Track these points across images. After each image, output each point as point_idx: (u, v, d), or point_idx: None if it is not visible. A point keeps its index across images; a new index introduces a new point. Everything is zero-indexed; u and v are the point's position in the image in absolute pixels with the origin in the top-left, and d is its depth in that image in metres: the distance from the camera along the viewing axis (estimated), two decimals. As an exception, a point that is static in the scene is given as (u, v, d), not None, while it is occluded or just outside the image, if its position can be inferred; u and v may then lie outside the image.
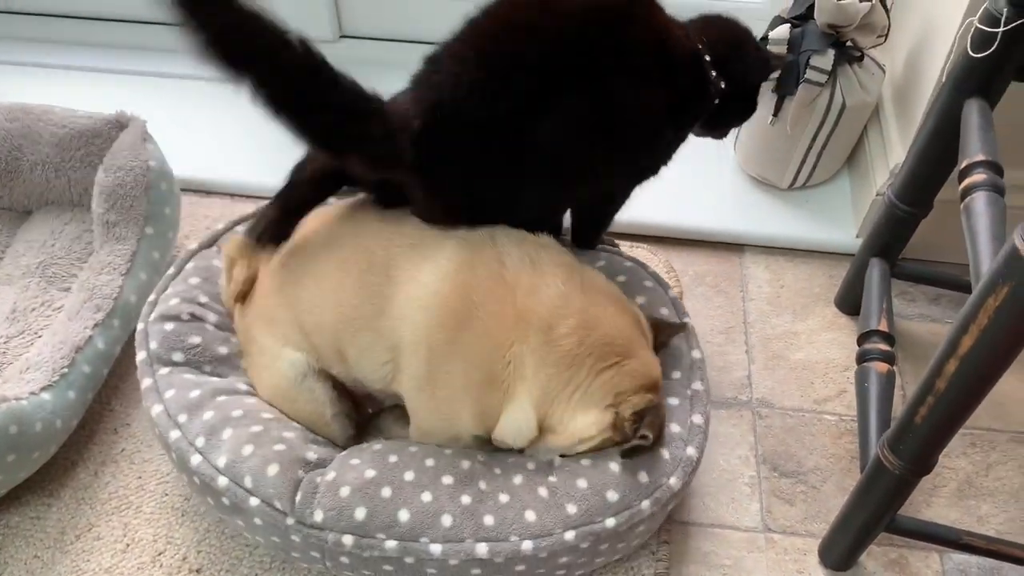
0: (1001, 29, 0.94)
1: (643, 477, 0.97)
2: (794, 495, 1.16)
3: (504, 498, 0.96)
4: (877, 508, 0.99)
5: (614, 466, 0.98)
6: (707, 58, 1.04)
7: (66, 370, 1.13)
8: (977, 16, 0.97)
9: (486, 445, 1.03)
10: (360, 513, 0.93)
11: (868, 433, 1.07)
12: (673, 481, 0.98)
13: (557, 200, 1.11)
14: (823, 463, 1.19)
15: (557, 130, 0.96)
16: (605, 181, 1.10)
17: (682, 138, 1.10)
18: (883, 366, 1.14)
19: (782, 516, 1.14)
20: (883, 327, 1.17)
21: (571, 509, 0.95)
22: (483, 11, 0.97)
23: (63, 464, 1.16)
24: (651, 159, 1.10)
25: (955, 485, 1.17)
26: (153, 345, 1.09)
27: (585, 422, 0.97)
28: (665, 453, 1.00)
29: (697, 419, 1.04)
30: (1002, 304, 0.76)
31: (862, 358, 1.17)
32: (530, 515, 0.94)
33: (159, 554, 1.09)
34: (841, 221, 1.44)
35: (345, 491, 0.95)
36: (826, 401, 1.25)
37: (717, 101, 1.07)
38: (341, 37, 1.74)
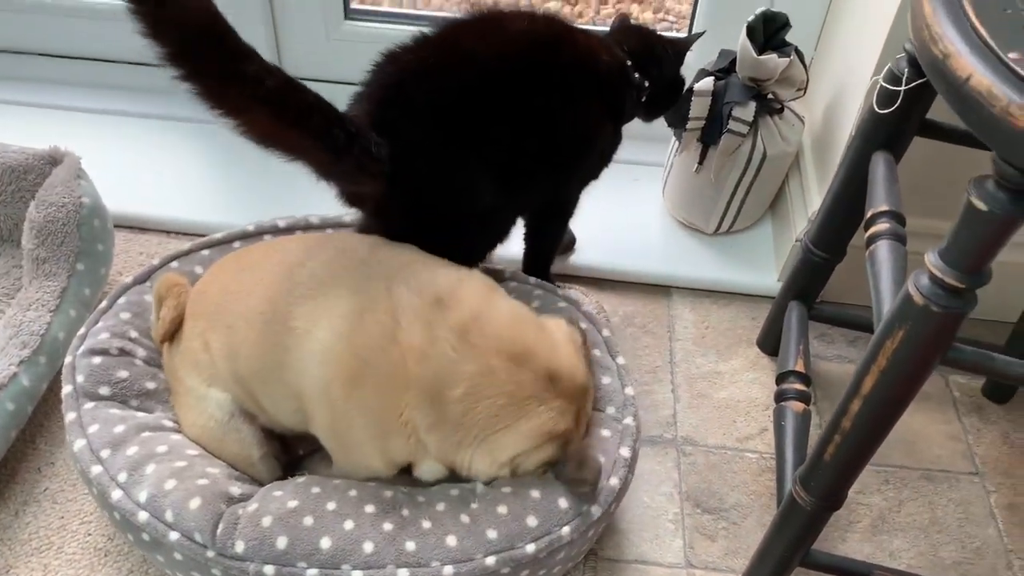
0: (903, 88, 1.01)
1: (563, 503, 1.00)
2: (716, 531, 1.19)
3: (426, 524, 0.97)
4: (792, 542, 1.02)
5: (535, 493, 1.00)
6: (629, 63, 1.21)
7: (-12, 407, 1.11)
8: (882, 75, 1.03)
9: (408, 475, 1.04)
10: (281, 542, 0.94)
11: (784, 470, 1.11)
12: (594, 509, 1.01)
13: (508, 204, 1.17)
14: (744, 500, 1.22)
15: (503, 140, 1.07)
16: (554, 187, 1.21)
17: (618, 140, 1.26)
18: (799, 405, 1.18)
19: (704, 552, 1.17)
20: (800, 368, 1.22)
21: (491, 534, 0.96)
22: (431, 32, 1.09)
23: (-17, 503, 1.14)
24: (594, 162, 1.25)
25: (869, 521, 1.21)
26: (80, 379, 1.08)
27: (480, 469, 1.00)
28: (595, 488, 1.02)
29: (624, 452, 1.07)
30: (899, 346, 0.80)
31: (780, 397, 1.21)
32: (451, 540, 0.96)
33: (80, 595, 1.08)
34: (763, 265, 1.50)
35: (267, 520, 0.95)
36: (748, 439, 1.29)
37: (644, 99, 1.25)
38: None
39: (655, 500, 1.22)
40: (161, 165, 1.64)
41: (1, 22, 1.76)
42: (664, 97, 1.30)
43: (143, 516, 0.96)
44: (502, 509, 0.99)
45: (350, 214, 1.29)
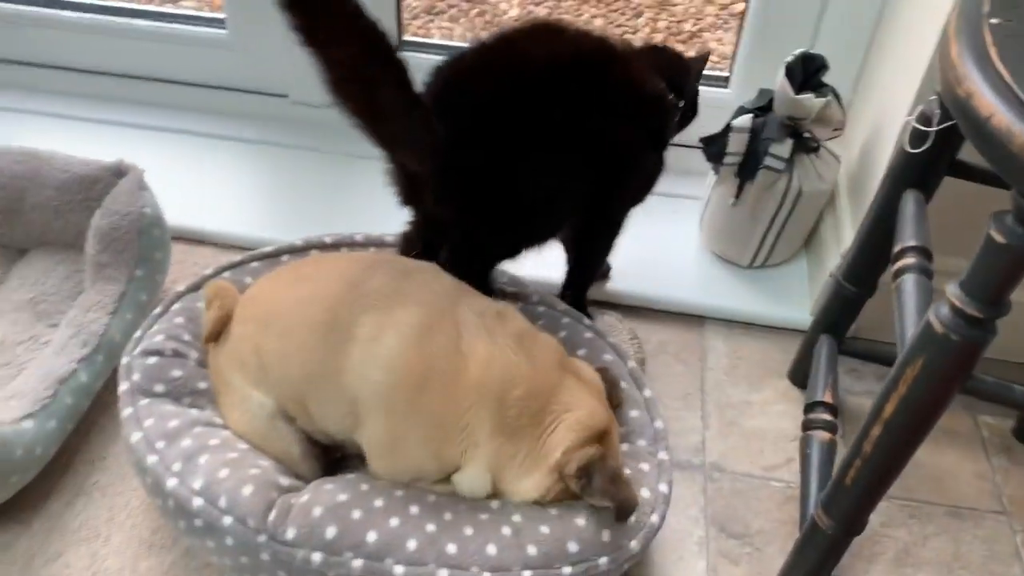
0: (934, 128, 1.04)
1: (606, 536, 1.03)
2: (740, 556, 1.21)
3: (468, 530, 1.01)
4: (813, 567, 1.04)
5: (580, 520, 1.03)
6: (666, 87, 1.27)
7: (48, 400, 1.18)
8: (913, 116, 1.07)
9: (446, 484, 1.08)
10: (330, 532, 0.98)
11: (808, 497, 1.13)
12: (634, 544, 1.04)
13: (553, 207, 1.23)
14: (768, 527, 1.24)
15: (551, 143, 1.14)
16: (597, 203, 1.27)
17: (661, 165, 1.32)
18: (825, 435, 1.20)
19: (727, 575, 1.19)
20: (828, 399, 1.24)
21: (531, 550, 0.99)
22: (490, 37, 1.16)
23: (38, 492, 1.20)
24: (639, 185, 1.32)
25: (893, 553, 1.22)
26: (136, 377, 1.14)
27: (529, 485, 1.04)
28: (631, 516, 1.05)
29: (663, 488, 1.10)
30: (919, 374, 0.83)
31: (806, 426, 1.23)
32: (491, 549, 0.99)
33: (124, 584, 1.13)
34: (797, 299, 1.53)
35: (317, 511, 0.99)
36: (774, 468, 1.31)
37: (677, 118, 1.32)
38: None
39: (681, 523, 1.24)
40: (218, 182, 1.72)
41: (76, 43, 1.86)
42: (686, 116, 1.36)
43: (198, 502, 1.01)
44: (544, 529, 1.02)
45: (392, 234, 1.35)
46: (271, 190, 1.74)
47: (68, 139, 1.70)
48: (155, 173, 1.45)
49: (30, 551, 1.15)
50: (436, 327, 1.05)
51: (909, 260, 1.01)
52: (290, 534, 0.98)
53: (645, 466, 1.12)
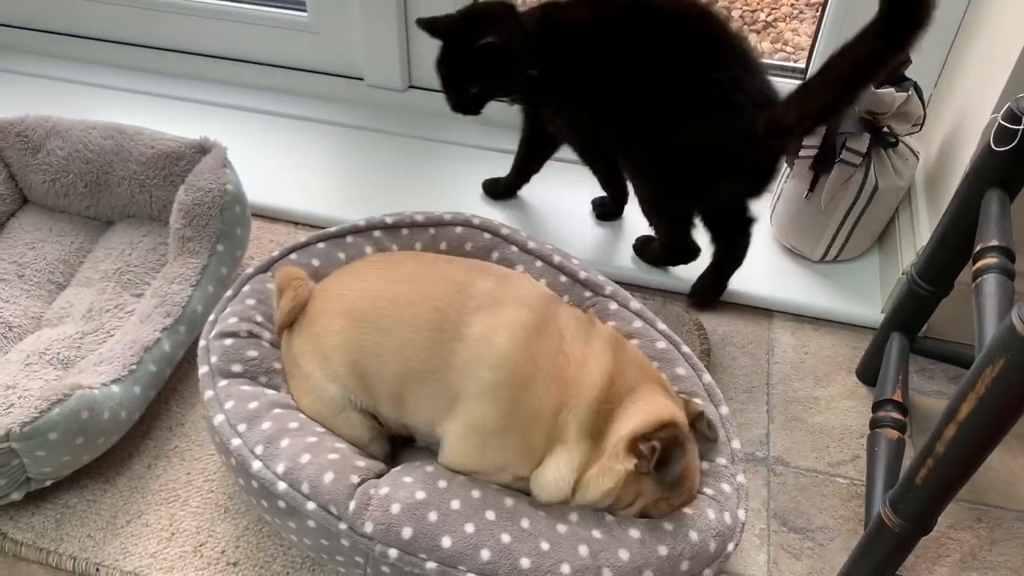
0: (1022, 127, 1.02)
1: (684, 566, 1.03)
2: (801, 550, 1.21)
3: (544, 546, 1.01)
4: (877, 565, 1.04)
5: (663, 550, 1.03)
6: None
7: (135, 367, 1.23)
8: (1000, 113, 1.05)
9: (520, 482, 1.10)
10: (407, 532, 0.99)
11: (874, 494, 1.12)
12: (707, 572, 1.05)
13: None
14: (831, 523, 1.24)
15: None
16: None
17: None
18: (894, 433, 1.19)
19: (788, 569, 1.19)
20: (897, 397, 1.23)
21: (607, 573, 1.00)
22: None
23: (121, 454, 1.26)
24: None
25: (959, 556, 1.21)
26: (214, 359, 1.18)
27: (602, 472, 1.05)
28: (712, 544, 1.05)
29: (741, 514, 1.11)
30: (999, 375, 0.82)
31: (875, 424, 1.22)
32: (565, 568, 0.99)
33: (200, 545, 1.17)
34: (868, 296, 1.51)
35: (395, 508, 1.01)
36: (839, 465, 1.31)
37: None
38: (409, 87, 1.86)
39: (744, 515, 1.24)
40: (294, 161, 1.77)
41: (163, 23, 1.92)
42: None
43: (282, 486, 1.04)
44: (623, 554, 1.01)
45: (451, 213, 1.38)
46: (344, 170, 1.77)
47: (154, 116, 1.76)
48: (236, 151, 1.49)
49: (113, 509, 1.20)
50: (542, 328, 1.10)
51: (991, 260, 0.99)
52: (368, 528, 1.00)
53: (727, 487, 1.12)
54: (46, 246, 1.49)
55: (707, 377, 1.24)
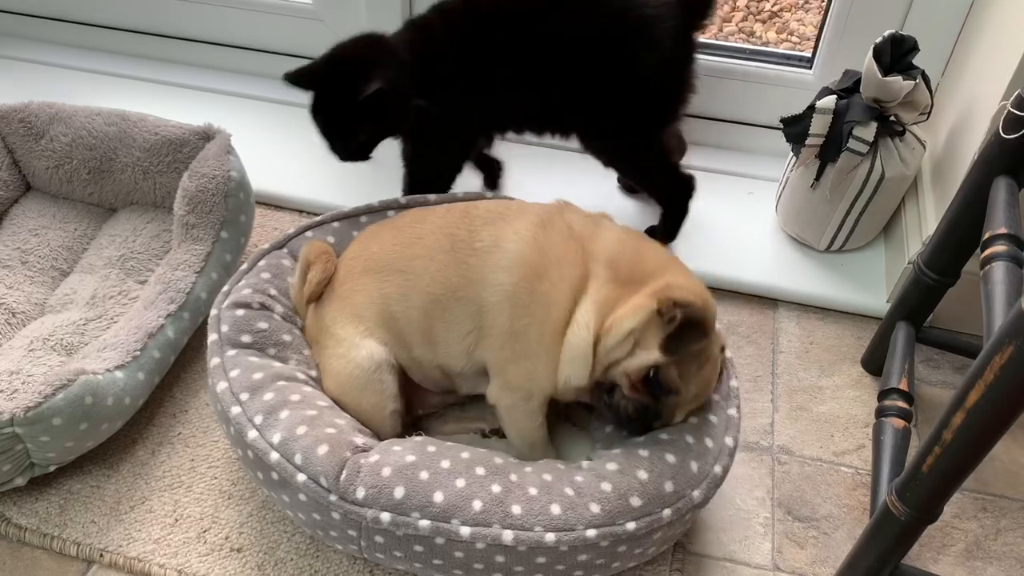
0: (1031, 114, 1.01)
1: (668, 487, 1.04)
2: (806, 539, 1.21)
3: (533, 491, 1.03)
4: (883, 553, 1.04)
5: (642, 474, 1.05)
6: None
7: (138, 353, 1.23)
8: (1010, 101, 1.04)
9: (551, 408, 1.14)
10: (399, 492, 1.00)
11: (879, 483, 1.12)
12: (696, 494, 1.05)
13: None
14: (836, 512, 1.23)
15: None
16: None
17: None
18: (899, 422, 1.19)
19: (792, 557, 1.18)
20: (903, 386, 1.23)
21: (595, 508, 1.01)
22: None
23: (125, 440, 1.26)
24: None
25: (963, 546, 1.21)
26: (224, 328, 1.19)
27: (627, 311, 1.08)
28: (694, 466, 1.07)
29: (729, 441, 1.11)
30: (1007, 362, 0.81)
31: (880, 413, 1.22)
32: (555, 509, 1.01)
33: (204, 531, 1.17)
34: (873, 286, 1.50)
35: (386, 471, 1.02)
36: (844, 454, 1.30)
37: None
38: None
39: (747, 503, 1.24)
40: (299, 149, 1.75)
41: (167, 10, 1.91)
42: None
43: (274, 456, 1.04)
44: (606, 486, 1.03)
45: (463, 191, 1.41)
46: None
47: (158, 103, 1.75)
48: (240, 138, 1.49)
49: (117, 495, 1.20)
50: (549, 225, 1.15)
51: (999, 247, 0.99)
52: (360, 493, 1.01)
53: (713, 418, 1.13)
54: (49, 233, 1.49)
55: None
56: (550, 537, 0.98)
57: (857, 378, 1.41)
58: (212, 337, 1.18)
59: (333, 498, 1.02)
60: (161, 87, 1.90)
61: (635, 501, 1.02)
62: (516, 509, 1.01)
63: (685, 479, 1.05)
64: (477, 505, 1.00)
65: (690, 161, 1.69)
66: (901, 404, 1.21)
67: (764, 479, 1.27)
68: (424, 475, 1.02)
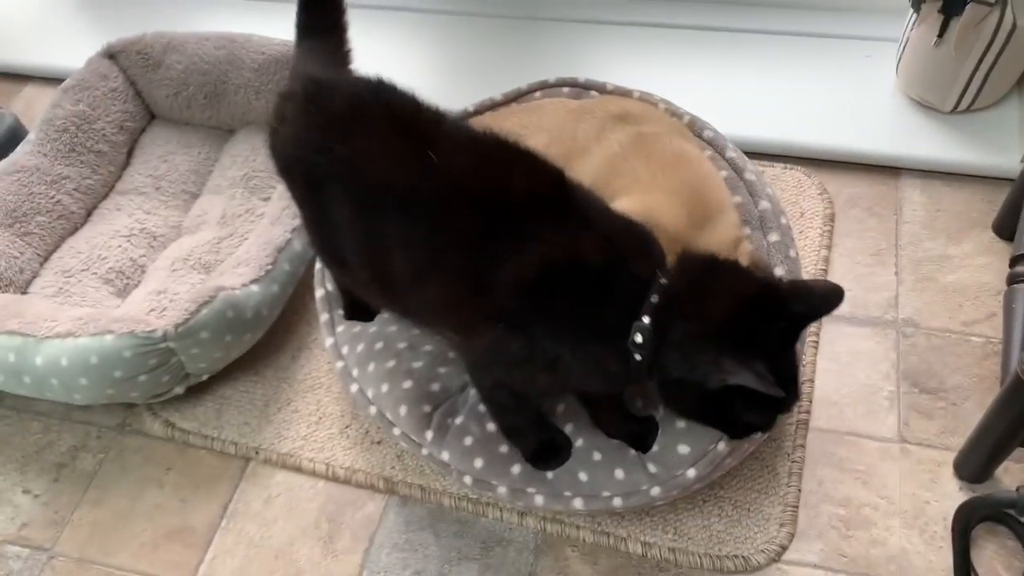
0: None
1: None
2: (933, 410, 1.19)
3: (597, 456, 1.08)
4: (1014, 422, 1.02)
5: (680, 424, 1.06)
6: None
7: (270, 267, 1.30)
8: None
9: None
10: (479, 463, 1.09)
11: (1011, 351, 1.09)
12: (722, 445, 1.05)
13: None
14: (966, 382, 1.21)
15: None
16: None
17: None
18: (1034, 288, 1.14)
19: (919, 429, 1.18)
20: (1037, 250, 1.17)
21: (652, 468, 1.06)
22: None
23: (267, 348, 1.35)
24: None
25: (1105, 411, 1.16)
26: (330, 287, 1.26)
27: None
28: None
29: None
30: None
31: (1012, 280, 1.17)
32: (619, 473, 1.06)
33: (346, 427, 1.26)
34: (1005, 145, 1.42)
35: (468, 440, 1.10)
36: (974, 323, 1.26)
37: None
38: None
39: (871, 378, 1.23)
40: (394, 52, 1.76)
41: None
42: None
43: (373, 410, 1.15)
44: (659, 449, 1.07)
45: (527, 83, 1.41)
46: (447, 58, 1.77)
47: (259, 22, 1.78)
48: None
49: (265, 398, 1.30)
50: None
51: None
52: (445, 456, 1.10)
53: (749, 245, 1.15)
54: (176, 157, 1.57)
55: (763, 204, 1.21)
56: (617, 502, 1.05)
57: (988, 244, 1.35)
58: (319, 292, 1.26)
59: (425, 452, 1.12)
60: (260, 4, 1.92)
61: (683, 448, 1.06)
62: (583, 476, 1.07)
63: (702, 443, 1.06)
64: (550, 475, 1.08)
65: (804, 27, 1.61)
66: (1035, 269, 1.16)
67: (888, 353, 1.25)
68: (503, 448, 1.09)
